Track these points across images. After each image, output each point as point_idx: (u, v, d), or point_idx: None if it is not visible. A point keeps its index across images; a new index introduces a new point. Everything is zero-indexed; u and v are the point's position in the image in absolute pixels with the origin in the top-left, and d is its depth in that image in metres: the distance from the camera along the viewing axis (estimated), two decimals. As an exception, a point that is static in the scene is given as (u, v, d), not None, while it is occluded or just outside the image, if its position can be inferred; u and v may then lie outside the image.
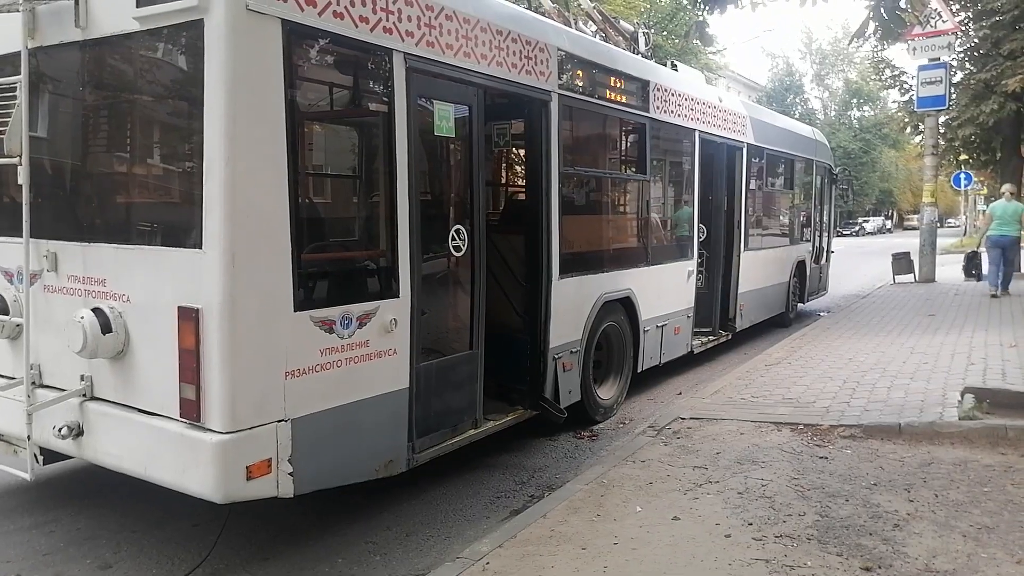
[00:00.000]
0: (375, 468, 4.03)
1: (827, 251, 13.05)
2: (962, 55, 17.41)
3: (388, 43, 3.96)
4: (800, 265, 11.35)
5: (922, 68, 15.50)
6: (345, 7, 3.70)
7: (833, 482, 4.31)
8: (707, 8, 5.99)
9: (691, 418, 5.70)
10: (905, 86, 20.27)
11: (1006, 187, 13.65)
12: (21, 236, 3.70)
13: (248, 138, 3.29)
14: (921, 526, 3.69)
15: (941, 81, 15.26)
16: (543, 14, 6.28)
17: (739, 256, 8.83)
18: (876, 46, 22.00)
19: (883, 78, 22.51)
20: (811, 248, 11.96)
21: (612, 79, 6.23)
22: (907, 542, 3.51)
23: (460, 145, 4.81)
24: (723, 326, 8.73)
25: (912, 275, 16.09)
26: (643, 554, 3.47)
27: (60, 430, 3.68)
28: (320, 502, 4.34)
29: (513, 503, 4.50)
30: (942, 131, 17.53)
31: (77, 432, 3.72)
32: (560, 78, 5.43)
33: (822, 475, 4.43)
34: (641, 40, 7.73)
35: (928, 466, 4.53)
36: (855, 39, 5.60)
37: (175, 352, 3.35)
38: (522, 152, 5.37)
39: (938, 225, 18.32)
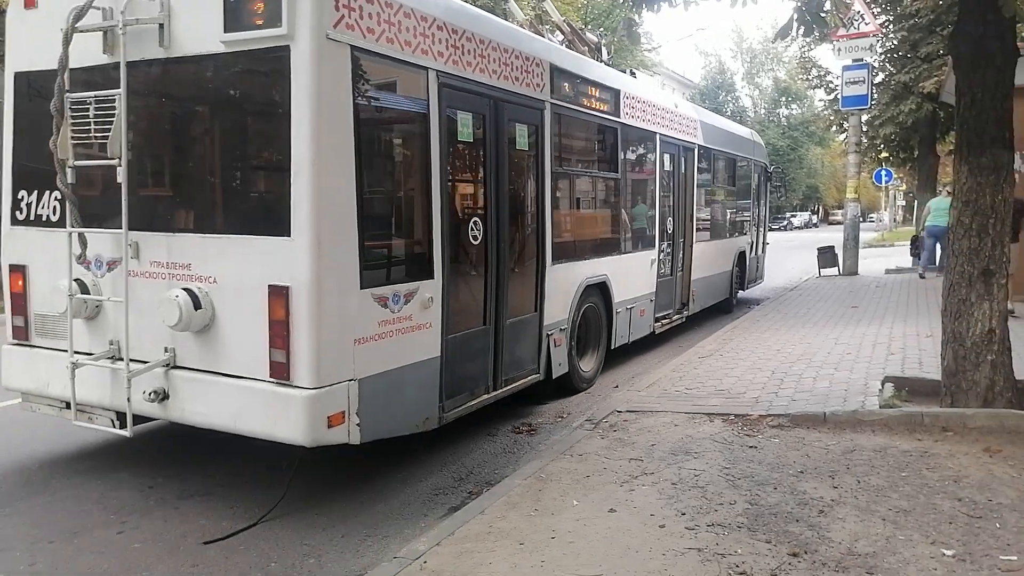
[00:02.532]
0: (417, 423, 4.73)
1: (763, 243, 14.28)
2: (883, 57, 18.14)
3: (424, 62, 4.69)
4: (741, 255, 12.43)
5: (846, 68, 16.10)
6: (394, 33, 4.40)
7: (762, 471, 4.44)
8: (641, 6, 6.07)
9: (627, 411, 5.78)
10: (830, 86, 21.03)
11: (945, 187, 15.86)
12: (101, 228, 4.36)
13: (328, 144, 3.92)
14: (844, 511, 3.83)
15: (864, 81, 15.89)
16: (520, 25, 7.03)
17: (691, 247, 9.78)
18: (803, 46, 22.76)
19: (810, 78, 23.28)
20: (750, 240, 13.08)
21: (591, 89, 7.04)
22: (831, 527, 3.64)
23: (477, 148, 5.45)
24: (678, 310, 9.61)
25: (836, 268, 16.75)
26: (580, 547, 3.51)
27: (149, 395, 4.27)
28: (252, 504, 4.23)
29: (451, 500, 4.48)
30: (864, 129, 18.26)
31: (162, 396, 4.28)
32: (552, 89, 6.21)
33: (752, 464, 4.55)
34: (604, 51, 8.50)
35: (851, 453, 4.71)
36: (779, 38, 5.77)
37: (265, 323, 3.96)
38: (525, 154, 6.09)
39: (861, 220, 19.11)
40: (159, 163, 4.57)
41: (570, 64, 6.71)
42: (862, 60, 15.95)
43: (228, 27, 3.92)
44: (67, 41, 4.18)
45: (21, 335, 4.87)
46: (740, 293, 12.82)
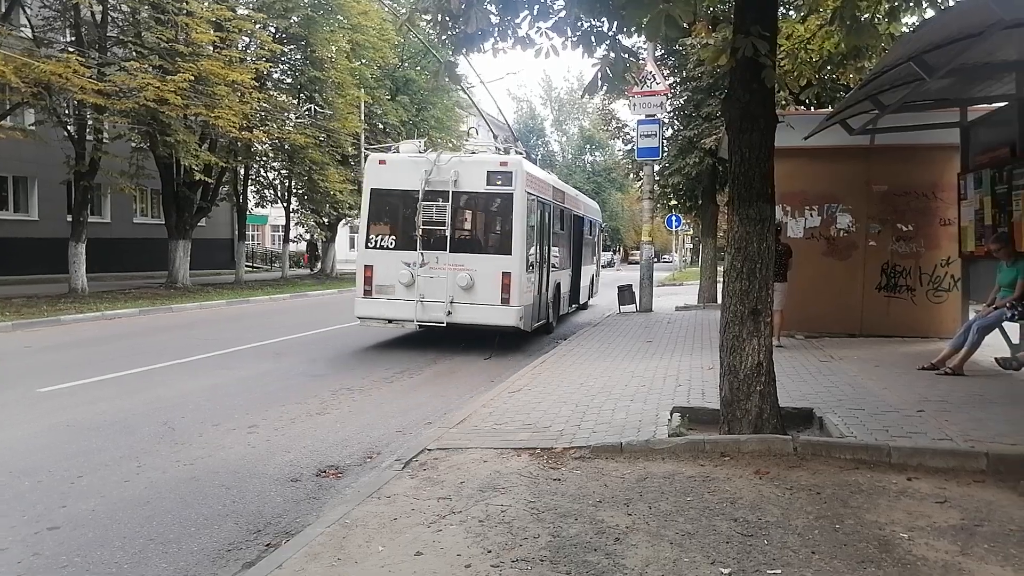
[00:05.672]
0: (527, 329, 12.19)
1: (599, 270, 23.75)
2: (672, 114, 20.00)
3: (536, 193, 12.73)
4: (592, 277, 21.26)
5: (640, 122, 17.60)
6: (534, 187, 12.67)
7: (565, 502, 4.58)
8: (455, 49, 6.29)
9: (438, 448, 5.74)
10: (627, 137, 22.80)
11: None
12: (423, 250, 11.76)
13: (523, 225, 11.81)
14: (637, 538, 4.04)
15: (655, 135, 17.44)
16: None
17: (580, 269, 17.97)
18: (605, 99, 24.53)
19: (610, 128, 25.12)
20: (595, 267, 22.20)
21: (557, 191, 15.24)
22: (626, 554, 3.82)
23: (541, 222, 13.20)
24: (575, 301, 17.88)
25: (634, 305, 18.01)
26: (384, 595, 3.40)
27: (446, 313, 11.60)
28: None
29: (246, 555, 4.15)
30: (657, 179, 19.95)
31: (449, 313, 11.60)
32: (552, 196, 14.22)
33: (555, 496, 4.69)
34: (525, 153, 14.87)
35: (644, 481, 5.01)
36: (587, 93, 6.20)
37: (499, 285, 11.57)
38: (547, 223, 14.18)
39: (655, 261, 20.78)
40: (454, 227, 11.70)
41: (554, 182, 15.42)
42: (654, 116, 17.50)
43: (488, 184, 11.69)
44: (423, 183, 11.59)
45: (368, 294, 11.90)
46: (591, 300, 21.27)
